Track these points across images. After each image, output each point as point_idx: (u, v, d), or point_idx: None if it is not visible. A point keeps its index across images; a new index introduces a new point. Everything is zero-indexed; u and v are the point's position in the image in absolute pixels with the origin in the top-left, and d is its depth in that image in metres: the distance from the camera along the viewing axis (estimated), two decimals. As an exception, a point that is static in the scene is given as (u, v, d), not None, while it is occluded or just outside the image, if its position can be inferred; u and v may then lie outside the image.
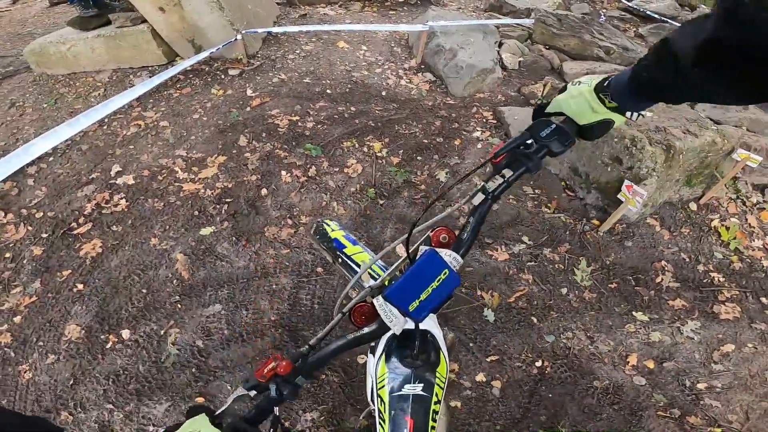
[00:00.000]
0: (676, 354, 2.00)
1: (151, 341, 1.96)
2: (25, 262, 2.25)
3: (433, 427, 0.71)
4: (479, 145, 3.05)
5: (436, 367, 0.77)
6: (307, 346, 0.67)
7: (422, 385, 0.74)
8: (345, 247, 1.14)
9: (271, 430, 0.63)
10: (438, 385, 0.75)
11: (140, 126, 3.05)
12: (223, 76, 3.54)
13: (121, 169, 2.72)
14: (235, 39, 3.54)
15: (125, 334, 1.99)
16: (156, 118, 3.12)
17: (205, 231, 2.38)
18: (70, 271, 2.22)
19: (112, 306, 2.09)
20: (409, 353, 0.77)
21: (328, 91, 3.44)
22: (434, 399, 0.73)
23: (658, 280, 2.29)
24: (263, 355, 1.90)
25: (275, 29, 3.91)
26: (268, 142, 2.92)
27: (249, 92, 3.34)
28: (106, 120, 3.07)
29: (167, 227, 2.41)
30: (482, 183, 0.73)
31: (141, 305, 2.08)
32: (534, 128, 0.73)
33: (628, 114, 0.72)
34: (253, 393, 0.64)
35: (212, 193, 2.58)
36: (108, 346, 1.96)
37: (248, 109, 3.20)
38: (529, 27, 4.57)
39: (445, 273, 0.64)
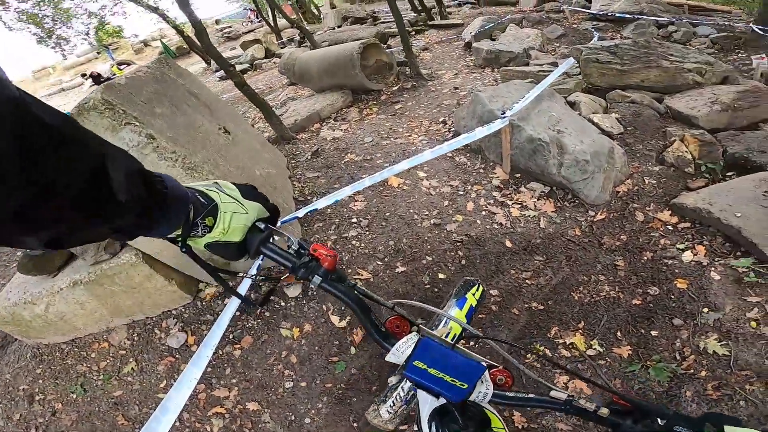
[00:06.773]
0: None
1: None
2: None
3: None
4: (715, 276, 1.99)
5: (488, 426, 0.71)
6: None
7: None
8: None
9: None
10: None
11: (225, 418, 1.82)
12: (282, 303, 2.36)
13: None
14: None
15: None
16: (236, 399, 1.91)
17: None
18: None
19: None
20: (455, 427, 0.69)
21: (441, 275, 2.31)
22: None
23: None
24: None
25: (315, 206, 2.83)
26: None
27: (335, 320, 2.19)
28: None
29: None
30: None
31: None
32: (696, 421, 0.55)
33: None
34: None
35: None
36: None
37: (353, 351, 2.04)
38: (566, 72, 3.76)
39: (464, 385, 0.63)
